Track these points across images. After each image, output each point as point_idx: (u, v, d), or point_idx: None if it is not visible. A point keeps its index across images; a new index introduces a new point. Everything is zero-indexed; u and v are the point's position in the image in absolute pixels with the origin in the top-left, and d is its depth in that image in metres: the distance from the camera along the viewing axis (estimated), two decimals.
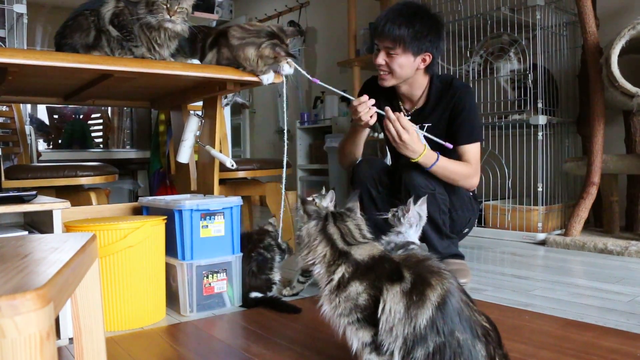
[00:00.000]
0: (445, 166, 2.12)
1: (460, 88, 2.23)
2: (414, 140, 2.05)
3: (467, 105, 2.21)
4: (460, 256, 2.28)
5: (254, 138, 6.97)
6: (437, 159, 2.10)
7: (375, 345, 1.09)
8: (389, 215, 1.82)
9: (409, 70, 2.18)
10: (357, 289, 1.11)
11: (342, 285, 1.13)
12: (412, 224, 1.77)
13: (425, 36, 2.12)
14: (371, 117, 2.10)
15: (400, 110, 2.31)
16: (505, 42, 3.48)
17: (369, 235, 1.22)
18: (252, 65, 1.96)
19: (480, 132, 2.29)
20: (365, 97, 2.10)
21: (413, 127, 2.07)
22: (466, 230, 2.42)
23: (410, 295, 1.06)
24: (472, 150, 2.20)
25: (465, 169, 2.18)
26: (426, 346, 1.03)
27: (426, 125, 2.26)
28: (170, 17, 1.78)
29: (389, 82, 2.23)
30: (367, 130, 2.33)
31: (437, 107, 2.25)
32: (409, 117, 2.28)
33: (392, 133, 2.03)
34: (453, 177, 2.18)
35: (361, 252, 1.16)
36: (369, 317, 1.09)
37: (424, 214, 1.80)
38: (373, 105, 2.10)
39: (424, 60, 2.17)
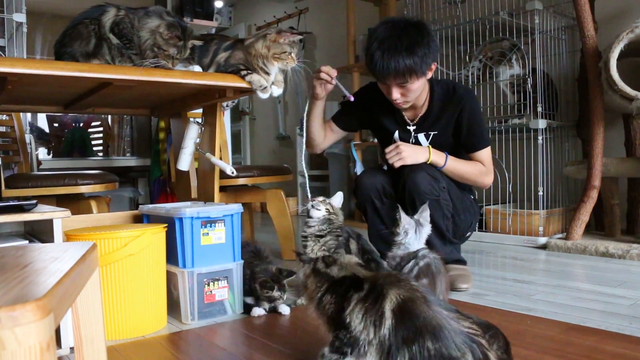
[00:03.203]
0: (455, 165, 2.20)
1: (465, 95, 2.22)
2: (416, 152, 2.15)
3: (474, 112, 2.21)
4: (462, 262, 2.28)
5: (254, 145, 6.97)
6: (447, 158, 2.18)
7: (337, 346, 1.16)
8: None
9: (422, 88, 2.17)
10: (329, 299, 1.22)
11: (320, 299, 1.25)
12: (407, 232, 1.75)
13: (429, 52, 2.06)
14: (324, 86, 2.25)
15: (403, 120, 2.32)
16: (505, 47, 3.49)
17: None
18: (262, 57, 1.99)
19: (488, 136, 2.31)
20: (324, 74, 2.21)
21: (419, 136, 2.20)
22: (468, 233, 2.43)
23: (365, 302, 1.12)
24: (484, 154, 2.25)
25: (477, 167, 2.23)
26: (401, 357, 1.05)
27: (432, 133, 2.27)
28: (172, 67, 1.87)
29: (407, 105, 2.22)
30: (322, 104, 2.36)
31: (441, 114, 2.24)
32: (414, 127, 2.29)
33: (394, 159, 2.14)
34: (466, 176, 2.23)
35: (336, 271, 1.26)
36: (337, 320, 1.18)
37: (426, 220, 1.78)
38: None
39: (431, 70, 2.14)
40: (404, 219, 1.73)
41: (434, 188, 2.10)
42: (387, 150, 2.18)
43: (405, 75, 2.05)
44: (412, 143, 2.32)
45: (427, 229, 1.77)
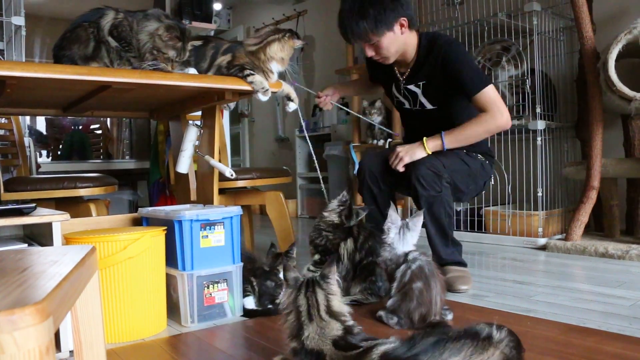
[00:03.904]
0: (456, 137, 2.21)
1: (444, 45, 2.25)
2: (414, 150, 2.21)
3: (455, 58, 2.23)
4: (462, 264, 2.28)
5: (253, 147, 6.97)
6: (443, 140, 2.20)
7: None
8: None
9: (397, 43, 2.24)
10: None
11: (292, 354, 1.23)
12: (389, 229, 1.75)
13: (385, 10, 2.13)
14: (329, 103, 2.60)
15: (395, 76, 2.43)
16: (497, 49, 3.49)
17: (336, 308, 1.23)
18: (274, 60, 2.05)
19: (484, 76, 2.27)
20: (322, 95, 2.59)
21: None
22: (483, 191, 2.54)
23: None
24: (484, 97, 2.17)
25: (480, 120, 2.19)
26: None
27: (421, 83, 2.34)
28: (172, 70, 1.88)
29: (390, 60, 2.30)
30: (349, 92, 2.85)
31: (425, 64, 2.31)
32: (404, 80, 2.39)
33: (394, 163, 2.22)
34: (475, 135, 2.23)
35: (312, 336, 1.20)
36: None
37: (415, 226, 1.78)
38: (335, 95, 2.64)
39: (402, 25, 2.20)
40: (391, 216, 1.75)
41: (436, 184, 2.14)
42: (389, 159, 2.25)
43: (363, 36, 2.17)
44: (404, 95, 2.42)
45: (413, 234, 1.77)
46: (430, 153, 2.20)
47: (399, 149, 2.22)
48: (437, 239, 2.20)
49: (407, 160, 2.19)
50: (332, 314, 1.22)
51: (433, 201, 2.14)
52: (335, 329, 1.20)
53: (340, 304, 1.24)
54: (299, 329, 1.21)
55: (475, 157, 2.37)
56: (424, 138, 2.24)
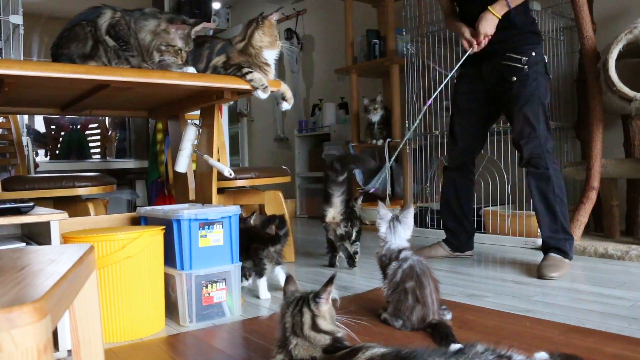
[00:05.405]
0: None
1: None
2: (489, 24, 2.45)
3: None
4: (564, 252, 2.43)
5: (252, 146, 6.97)
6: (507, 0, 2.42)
7: None
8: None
9: None
10: None
11: None
12: (379, 224, 1.76)
13: None
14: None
15: None
16: None
17: (322, 328, 1.21)
18: (263, 49, 2.06)
19: None
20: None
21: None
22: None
23: None
24: None
25: None
26: None
27: None
28: (182, 61, 1.90)
29: None
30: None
31: None
32: None
33: (485, 43, 2.52)
34: None
35: (300, 347, 1.20)
36: None
37: (405, 218, 1.78)
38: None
39: None
40: (380, 211, 1.77)
41: (541, 162, 2.44)
42: (472, 46, 2.56)
43: None
44: None
45: (405, 227, 1.77)
46: (499, 13, 2.41)
47: (480, 31, 2.45)
48: (545, 217, 2.43)
49: (490, 36, 2.46)
50: (319, 332, 1.21)
51: (539, 177, 2.45)
52: (324, 339, 1.20)
53: (327, 324, 1.22)
54: (284, 342, 1.22)
55: (535, 75, 2.47)
56: (488, 7, 2.42)
